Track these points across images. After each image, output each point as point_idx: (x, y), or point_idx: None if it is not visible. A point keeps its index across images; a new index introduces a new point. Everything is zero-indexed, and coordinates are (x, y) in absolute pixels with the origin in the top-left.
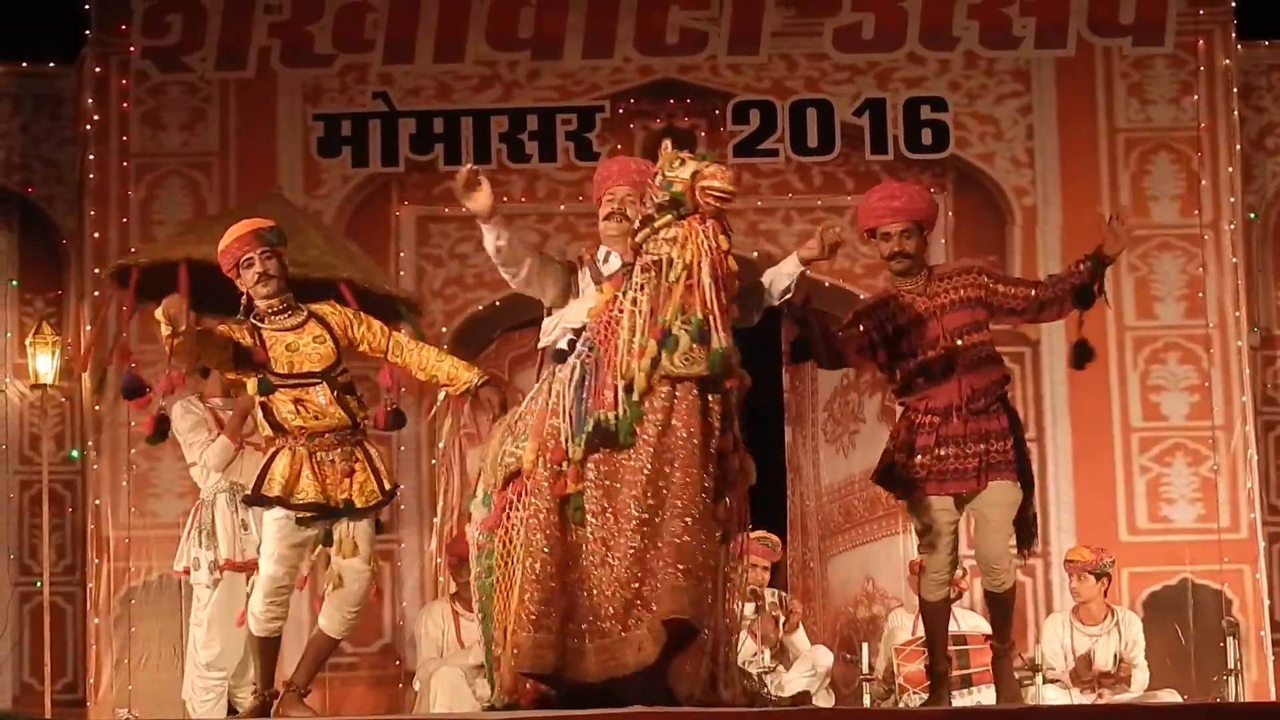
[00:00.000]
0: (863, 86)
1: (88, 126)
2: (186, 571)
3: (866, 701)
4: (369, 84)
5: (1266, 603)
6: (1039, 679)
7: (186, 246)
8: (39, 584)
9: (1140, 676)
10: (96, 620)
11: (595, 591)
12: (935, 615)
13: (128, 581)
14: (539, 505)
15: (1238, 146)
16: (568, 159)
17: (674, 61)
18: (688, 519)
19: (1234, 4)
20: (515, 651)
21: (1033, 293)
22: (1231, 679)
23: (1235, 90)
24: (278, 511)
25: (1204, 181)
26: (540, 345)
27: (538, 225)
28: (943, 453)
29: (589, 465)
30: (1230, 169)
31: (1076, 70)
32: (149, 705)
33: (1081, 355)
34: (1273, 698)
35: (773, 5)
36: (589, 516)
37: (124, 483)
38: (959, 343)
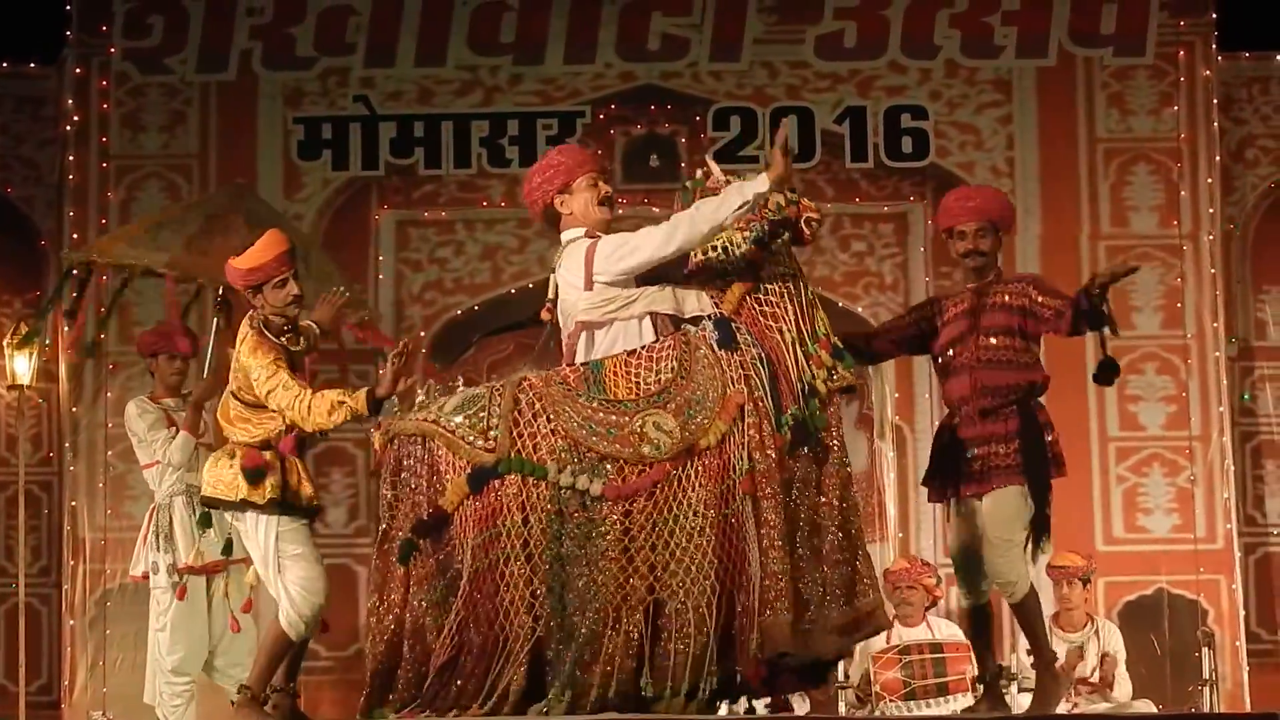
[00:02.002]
0: (844, 94)
1: (68, 127)
2: (145, 576)
3: (842, 709)
4: (350, 87)
5: (1242, 613)
6: (1014, 687)
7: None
8: (14, 585)
9: (1122, 687)
10: (72, 622)
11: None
12: (977, 620)
13: (103, 584)
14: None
15: (1217, 158)
16: None
17: (655, 67)
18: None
19: (1215, 16)
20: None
21: (1060, 304)
22: (1207, 689)
23: (1215, 102)
24: (297, 517)
25: (1183, 192)
26: (600, 318)
27: (517, 230)
28: (956, 455)
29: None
30: (1210, 180)
31: (1057, 80)
32: (123, 708)
33: (1106, 371)
34: (1248, 708)
35: (755, 12)
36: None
37: (100, 485)
38: (988, 340)
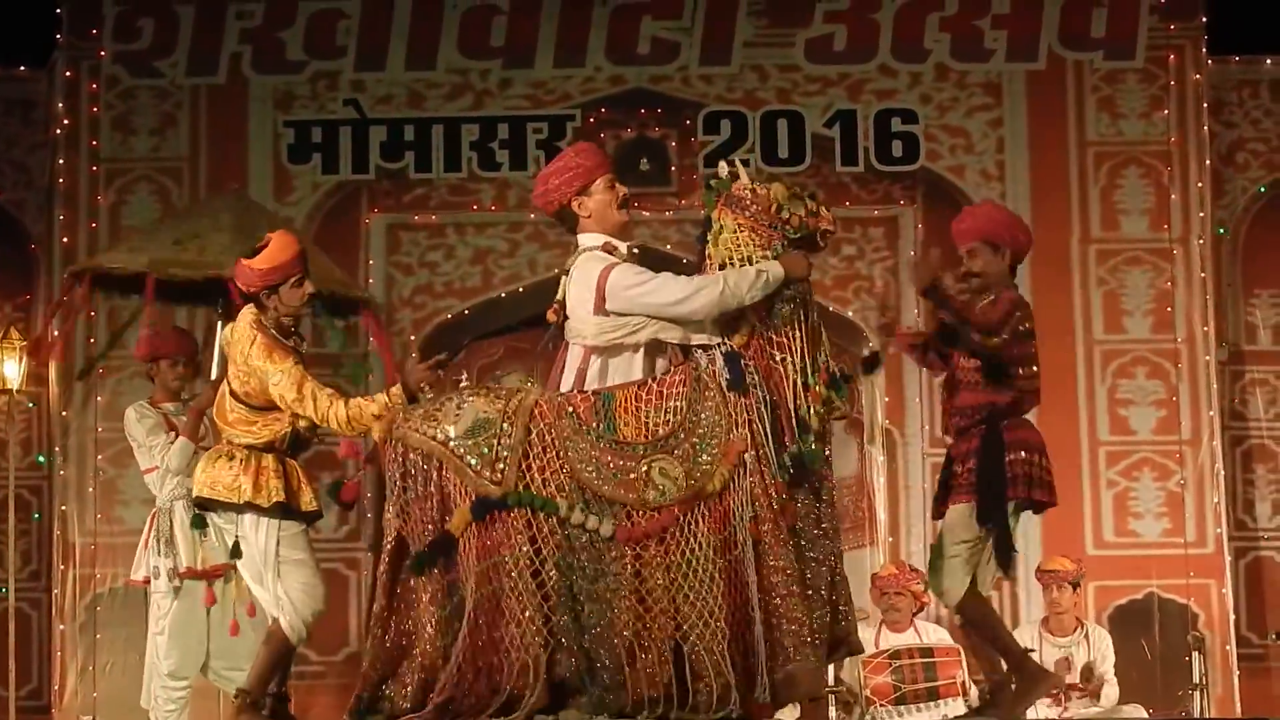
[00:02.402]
0: (834, 98)
1: (58, 131)
2: (146, 581)
3: (832, 714)
4: (340, 91)
5: (1232, 618)
6: (974, 692)
7: (152, 256)
8: (4, 590)
9: (1110, 691)
10: (62, 627)
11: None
12: (965, 622)
13: (93, 588)
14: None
15: (1207, 161)
16: (538, 167)
17: (645, 71)
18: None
19: (1204, 19)
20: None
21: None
22: (1197, 694)
23: (1205, 105)
24: (298, 522)
25: (1174, 196)
26: (604, 343)
27: (507, 234)
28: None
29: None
30: (1200, 184)
31: (1047, 84)
32: (113, 712)
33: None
34: (1238, 713)
35: (745, 16)
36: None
37: (90, 489)
38: (961, 361)
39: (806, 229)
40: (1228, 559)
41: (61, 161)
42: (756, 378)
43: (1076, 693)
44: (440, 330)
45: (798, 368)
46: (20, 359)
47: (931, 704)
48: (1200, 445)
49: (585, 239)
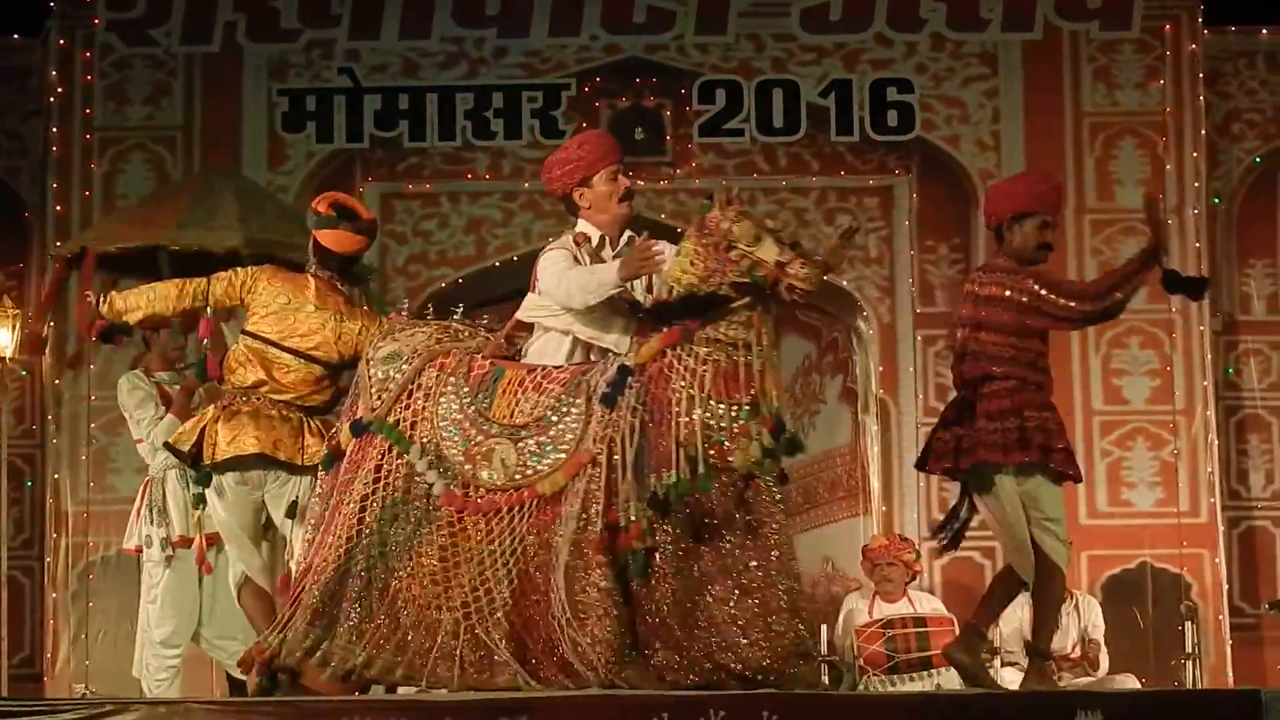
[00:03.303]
0: (829, 68)
1: (51, 100)
2: (138, 550)
3: (826, 683)
4: (334, 59)
5: (1225, 587)
6: (996, 662)
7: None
8: None
9: (1101, 660)
10: (54, 595)
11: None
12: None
13: (86, 557)
14: (599, 559)
15: (1203, 132)
16: (533, 136)
17: (640, 40)
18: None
19: None
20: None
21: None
22: (1189, 663)
23: (1201, 76)
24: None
25: (1169, 167)
26: (528, 319)
27: (502, 203)
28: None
29: (665, 525)
30: (1195, 154)
31: (1043, 54)
32: (106, 680)
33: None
34: (1230, 682)
35: None
36: (666, 571)
37: (83, 458)
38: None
39: (755, 275)
40: (1221, 529)
41: (55, 130)
42: (634, 401)
43: (1068, 664)
44: (434, 299)
45: (685, 400)
46: (13, 327)
47: (924, 673)
48: (1194, 415)
49: (579, 226)
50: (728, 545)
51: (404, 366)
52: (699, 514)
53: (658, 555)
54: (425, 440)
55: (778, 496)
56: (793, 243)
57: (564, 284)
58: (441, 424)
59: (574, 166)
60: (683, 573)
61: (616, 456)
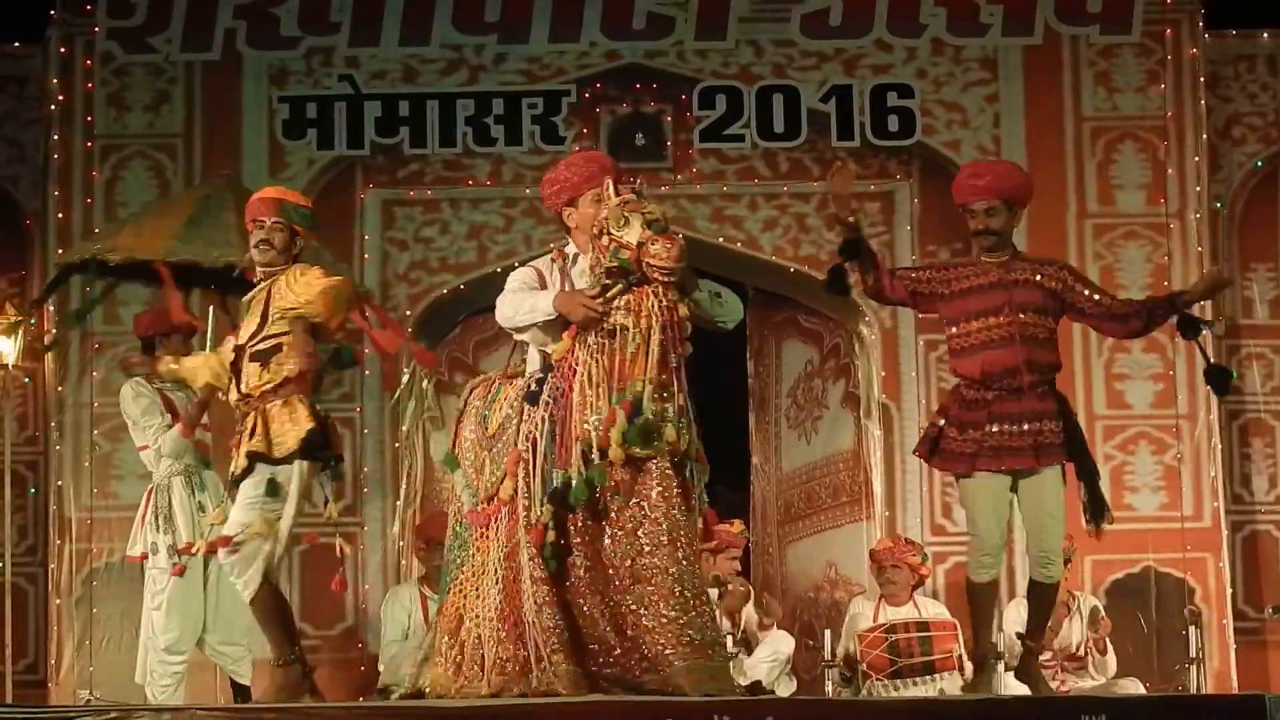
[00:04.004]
0: (829, 73)
1: (52, 107)
2: (144, 556)
3: (829, 689)
4: (334, 67)
5: (1229, 591)
6: (1000, 666)
7: (157, 244)
8: (1, 565)
9: (1110, 661)
10: (58, 601)
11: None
12: (981, 598)
13: (89, 563)
14: (531, 552)
15: (1204, 136)
16: (533, 143)
17: (640, 46)
18: (696, 600)
19: None
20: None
21: (1106, 300)
22: (1193, 668)
23: (1202, 80)
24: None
25: (1170, 171)
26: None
27: (504, 210)
28: (996, 429)
29: (571, 522)
30: (1196, 158)
31: (1043, 58)
32: (110, 687)
33: (1218, 380)
34: (1235, 686)
35: None
36: (576, 568)
37: (86, 464)
38: (1021, 316)
39: (620, 258)
40: (1224, 533)
41: (56, 138)
42: (550, 396)
43: (1074, 664)
44: (436, 306)
45: (580, 394)
46: (15, 334)
47: (927, 677)
48: (1197, 419)
49: (568, 243)
50: (621, 534)
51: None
52: (599, 507)
53: (576, 553)
54: (464, 462)
55: (675, 483)
56: (652, 220)
57: (504, 304)
58: (464, 445)
59: (560, 188)
60: (594, 569)
61: (532, 453)
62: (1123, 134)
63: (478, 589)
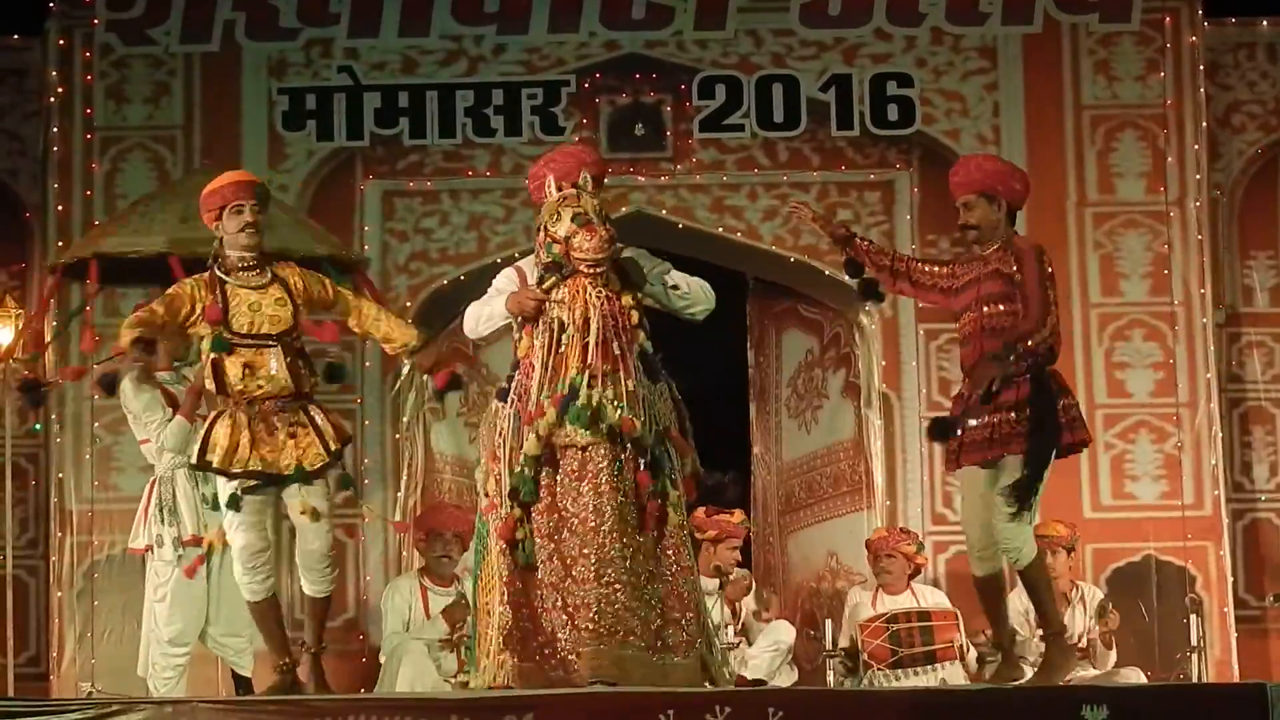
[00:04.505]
0: (829, 62)
1: (51, 99)
2: (147, 549)
3: (830, 678)
4: (334, 58)
5: (1230, 579)
6: (1001, 655)
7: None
8: (1, 558)
9: (1109, 654)
10: (60, 594)
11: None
12: (984, 591)
13: (90, 555)
14: (501, 547)
15: (1204, 124)
16: (533, 134)
17: (640, 36)
18: (616, 585)
19: None
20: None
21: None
22: (1194, 656)
23: (1202, 68)
24: (230, 483)
25: (1170, 159)
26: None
27: (502, 200)
28: (971, 422)
29: (534, 515)
30: (1196, 146)
31: (1043, 47)
32: (112, 679)
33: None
34: (1236, 674)
35: None
36: (539, 562)
37: (87, 456)
38: (985, 310)
39: (552, 252)
40: (1225, 521)
41: (55, 130)
42: (518, 391)
43: (1079, 654)
44: (436, 296)
45: (522, 389)
46: (15, 326)
47: (928, 667)
48: (1197, 408)
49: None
50: (576, 522)
51: None
52: (556, 500)
53: (540, 547)
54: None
55: (627, 469)
56: (576, 214)
57: (467, 317)
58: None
59: (539, 184)
60: (551, 562)
61: (502, 449)
62: (1122, 122)
63: (489, 583)
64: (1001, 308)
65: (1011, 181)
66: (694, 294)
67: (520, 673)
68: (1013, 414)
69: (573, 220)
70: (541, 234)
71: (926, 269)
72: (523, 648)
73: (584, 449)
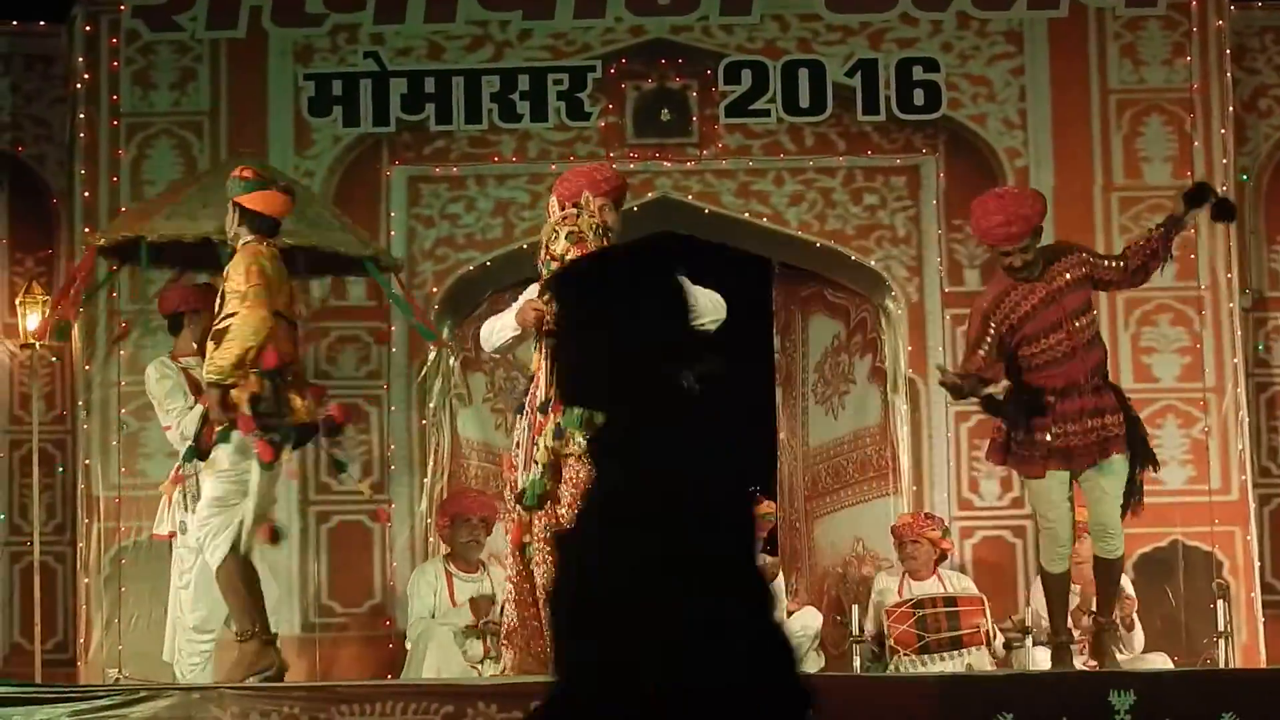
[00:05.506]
0: (855, 47)
1: (78, 86)
2: (171, 535)
3: (856, 664)
4: (360, 43)
5: (1257, 565)
6: (1029, 641)
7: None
8: (29, 544)
9: (1138, 636)
10: (87, 580)
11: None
12: (1059, 587)
13: (118, 541)
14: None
15: (1230, 108)
16: (559, 119)
17: (666, 21)
18: None
19: None
20: None
21: (1120, 262)
22: (1222, 641)
23: (1228, 52)
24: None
25: (1196, 143)
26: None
27: (529, 185)
28: (1060, 429)
29: (536, 520)
30: (1223, 130)
31: (1069, 31)
32: (139, 666)
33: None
34: (1263, 661)
35: None
36: (534, 565)
37: (114, 443)
38: (1077, 324)
39: (550, 270)
40: (1252, 506)
41: (82, 116)
42: (530, 404)
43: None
44: (462, 282)
45: (530, 398)
46: (42, 312)
47: (955, 653)
48: (1224, 392)
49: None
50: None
51: None
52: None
53: (540, 552)
54: None
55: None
56: (569, 233)
57: (483, 331)
58: None
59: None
60: (546, 562)
61: (518, 458)
62: (1149, 106)
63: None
64: (1087, 318)
65: (1036, 210)
66: (700, 306)
67: (522, 671)
68: (1114, 416)
69: (567, 238)
70: (543, 252)
71: (983, 350)
72: (526, 646)
73: (580, 457)
